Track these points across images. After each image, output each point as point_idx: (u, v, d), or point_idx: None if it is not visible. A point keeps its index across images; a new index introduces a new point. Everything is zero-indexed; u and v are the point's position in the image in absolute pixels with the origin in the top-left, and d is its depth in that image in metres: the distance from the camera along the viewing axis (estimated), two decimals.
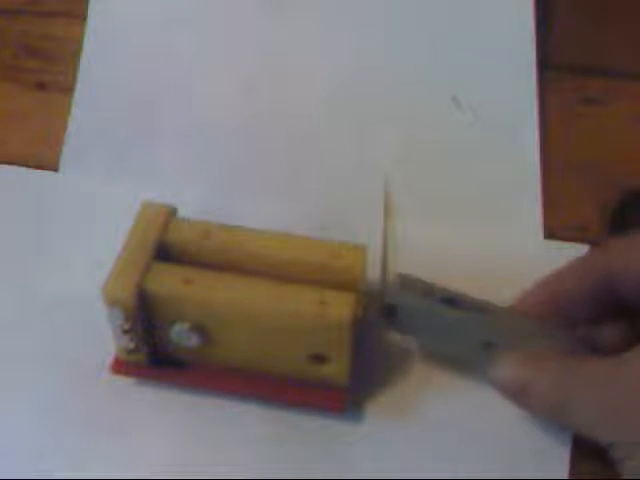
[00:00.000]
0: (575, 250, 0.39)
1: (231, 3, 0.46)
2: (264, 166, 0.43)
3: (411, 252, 0.40)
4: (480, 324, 0.34)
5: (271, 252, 0.34)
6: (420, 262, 0.39)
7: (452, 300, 0.34)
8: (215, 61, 0.45)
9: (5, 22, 0.48)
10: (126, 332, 0.34)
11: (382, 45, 0.44)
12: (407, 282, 0.34)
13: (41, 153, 0.45)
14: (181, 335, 0.34)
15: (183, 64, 0.45)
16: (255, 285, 0.33)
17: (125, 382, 0.36)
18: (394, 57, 0.44)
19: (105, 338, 0.35)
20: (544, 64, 0.44)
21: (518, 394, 0.33)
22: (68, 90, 0.45)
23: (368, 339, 0.36)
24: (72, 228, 0.42)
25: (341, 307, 0.32)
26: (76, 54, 0.46)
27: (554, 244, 0.40)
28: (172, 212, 0.36)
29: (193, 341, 0.34)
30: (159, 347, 0.35)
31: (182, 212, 0.36)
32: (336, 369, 0.34)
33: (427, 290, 0.34)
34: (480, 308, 0.34)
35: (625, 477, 0.31)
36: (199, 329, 0.34)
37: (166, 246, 0.34)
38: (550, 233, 0.41)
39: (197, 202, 0.40)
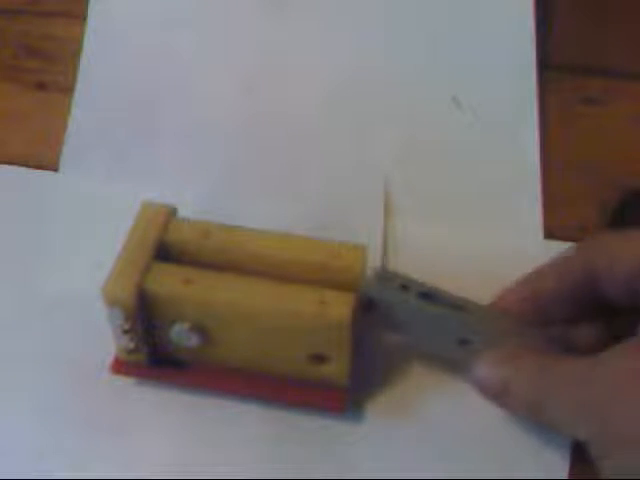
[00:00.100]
0: None
1: (231, 3, 0.46)
2: (264, 166, 0.43)
3: (411, 252, 0.40)
4: (456, 320, 0.34)
5: (271, 252, 0.34)
6: (420, 262, 0.39)
7: (430, 295, 0.34)
8: (215, 61, 0.45)
9: (5, 22, 0.48)
10: (126, 332, 0.34)
11: (382, 45, 0.44)
12: (385, 276, 0.34)
13: (41, 153, 0.45)
14: (181, 335, 0.34)
15: (183, 64, 0.45)
16: (255, 285, 0.33)
17: (125, 382, 0.36)
18: (394, 57, 0.44)
19: (105, 338, 0.35)
20: (544, 64, 0.44)
21: (496, 393, 0.33)
22: (68, 90, 0.45)
23: (368, 339, 0.36)
24: (72, 228, 0.42)
25: (341, 307, 0.32)
26: (76, 54, 0.46)
27: (554, 244, 0.40)
28: (172, 212, 0.36)
29: (193, 341, 0.34)
30: (159, 347, 0.35)
31: (182, 212, 0.36)
32: (336, 369, 0.34)
33: (405, 284, 0.34)
34: (457, 305, 0.34)
35: (602, 476, 0.31)
36: (199, 329, 0.34)
37: (166, 246, 0.34)
38: (550, 233, 0.41)
39: (197, 202, 0.40)
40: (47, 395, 0.37)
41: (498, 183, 0.42)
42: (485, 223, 0.41)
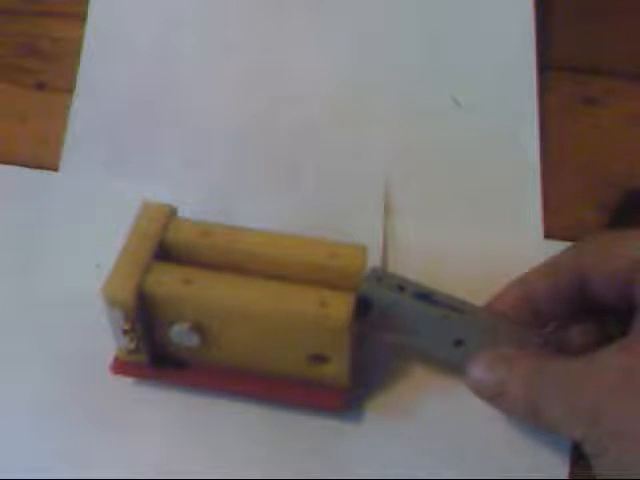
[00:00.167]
0: None
1: (231, 3, 0.46)
2: (264, 166, 0.43)
3: (411, 252, 0.40)
4: (452, 321, 0.34)
5: (271, 252, 0.34)
6: (420, 262, 0.39)
7: (426, 296, 0.34)
8: (215, 61, 0.45)
9: (5, 22, 0.48)
10: (126, 332, 0.34)
11: (382, 45, 0.44)
12: (381, 277, 0.34)
13: (41, 153, 0.45)
14: (181, 335, 0.34)
15: (183, 64, 0.45)
16: (255, 285, 0.33)
17: (125, 382, 0.36)
18: (394, 57, 0.44)
19: (105, 338, 0.35)
20: (544, 64, 0.44)
21: (491, 395, 0.33)
22: (68, 90, 0.45)
23: (368, 339, 0.36)
24: (72, 228, 0.42)
25: (341, 307, 0.32)
26: (76, 54, 0.46)
27: (554, 244, 0.40)
28: (172, 212, 0.36)
29: (193, 341, 0.34)
30: (159, 347, 0.35)
31: (182, 212, 0.36)
32: (336, 369, 0.34)
33: (401, 285, 0.34)
34: (453, 306, 0.34)
35: (597, 473, 0.31)
36: (199, 329, 0.34)
37: (166, 246, 0.34)
38: (550, 233, 0.41)
39: (197, 202, 0.40)
40: (47, 395, 0.37)
41: (498, 183, 0.42)
42: (485, 223, 0.41)
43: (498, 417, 0.35)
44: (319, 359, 0.34)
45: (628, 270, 0.32)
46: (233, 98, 0.44)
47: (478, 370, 0.33)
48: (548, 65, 0.44)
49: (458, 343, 0.34)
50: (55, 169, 0.44)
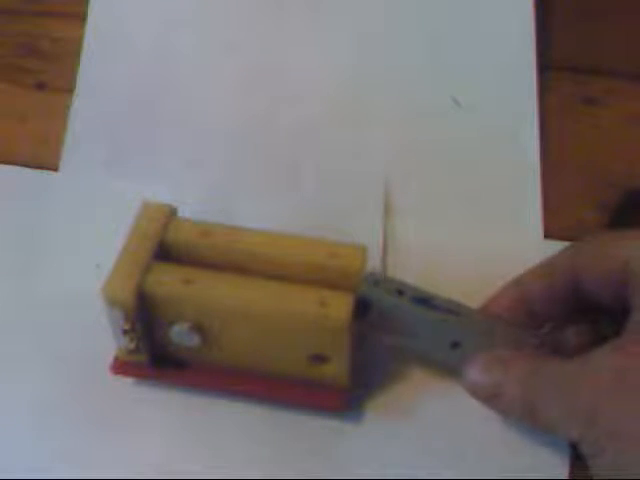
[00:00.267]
0: None
1: (231, 3, 0.46)
2: (264, 166, 0.43)
3: (411, 252, 0.40)
4: (449, 324, 0.34)
5: (271, 252, 0.34)
6: (420, 262, 0.39)
7: (423, 300, 0.34)
8: (215, 61, 0.45)
9: (5, 22, 0.48)
10: (126, 332, 0.34)
11: (382, 45, 0.44)
12: (380, 281, 0.34)
13: (41, 153, 0.45)
14: (181, 335, 0.34)
15: (183, 64, 0.45)
16: (255, 285, 0.33)
17: (125, 382, 0.36)
18: (394, 57, 0.44)
19: (105, 338, 0.35)
20: (544, 64, 0.44)
21: (487, 397, 0.33)
22: (68, 90, 0.45)
23: (368, 339, 0.36)
24: (72, 228, 0.42)
25: (341, 308, 0.32)
26: (76, 54, 0.46)
27: (554, 244, 0.40)
28: (172, 212, 0.36)
29: (193, 341, 0.34)
30: (159, 347, 0.35)
31: (182, 212, 0.36)
32: (336, 369, 0.34)
33: (400, 289, 0.34)
34: (450, 309, 0.34)
35: (594, 474, 0.31)
36: (199, 329, 0.34)
37: (166, 246, 0.34)
38: (550, 233, 0.41)
39: (197, 202, 0.40)
40: (47, 395, 0.37)
41: (498, 183, 0.42)
42: (485, 223, 0.41)
43: (498, 417, 0.35)
44: (319, 359, 0.34)
45: (622, 271, 0.32)
46: (233, 98, 0.44)
47: (474, 372, 0.33)
48: (548, 65, 0.44)
49: (455, 345, 0.34)
50: (55, 169, 0.44)
